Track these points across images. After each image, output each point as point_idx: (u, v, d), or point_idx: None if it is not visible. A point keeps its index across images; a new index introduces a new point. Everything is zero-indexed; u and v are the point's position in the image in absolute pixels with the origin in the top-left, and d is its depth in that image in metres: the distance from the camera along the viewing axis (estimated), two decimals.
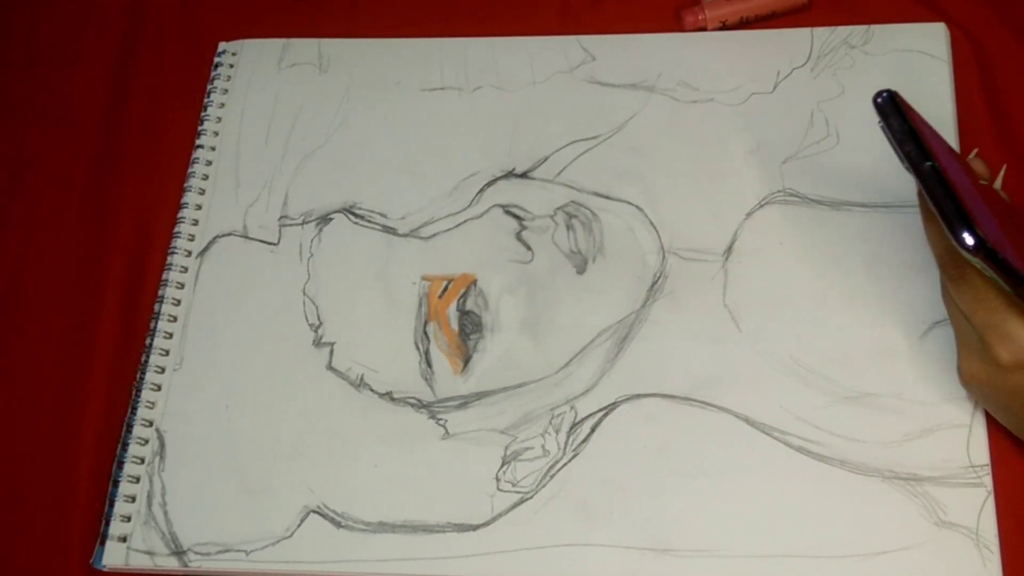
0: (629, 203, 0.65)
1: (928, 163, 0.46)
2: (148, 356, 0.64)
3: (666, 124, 0.67)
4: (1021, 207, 0.59)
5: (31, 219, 0.71)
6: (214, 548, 0.58)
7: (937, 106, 0.64)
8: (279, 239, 0.67)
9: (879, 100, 0.48)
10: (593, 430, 0.59)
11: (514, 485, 0.58)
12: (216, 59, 0.74)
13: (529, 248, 0.65)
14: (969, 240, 0.43)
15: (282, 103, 0.72)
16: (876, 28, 0.68)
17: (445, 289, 0.64)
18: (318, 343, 0.63)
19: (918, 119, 0.48)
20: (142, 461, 0.61)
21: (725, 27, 0.71)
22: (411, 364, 0.62)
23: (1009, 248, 0.45)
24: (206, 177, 0.70)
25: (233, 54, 0.74)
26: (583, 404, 0.60)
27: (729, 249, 0.63)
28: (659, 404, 0.59)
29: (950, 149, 0.51)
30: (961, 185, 0.46)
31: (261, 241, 0.67)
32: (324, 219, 0.67)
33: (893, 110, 0.48)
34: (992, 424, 0.56)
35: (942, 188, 0.45)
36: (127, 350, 0.65)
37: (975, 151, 0.55)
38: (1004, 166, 0.57)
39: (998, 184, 0.55)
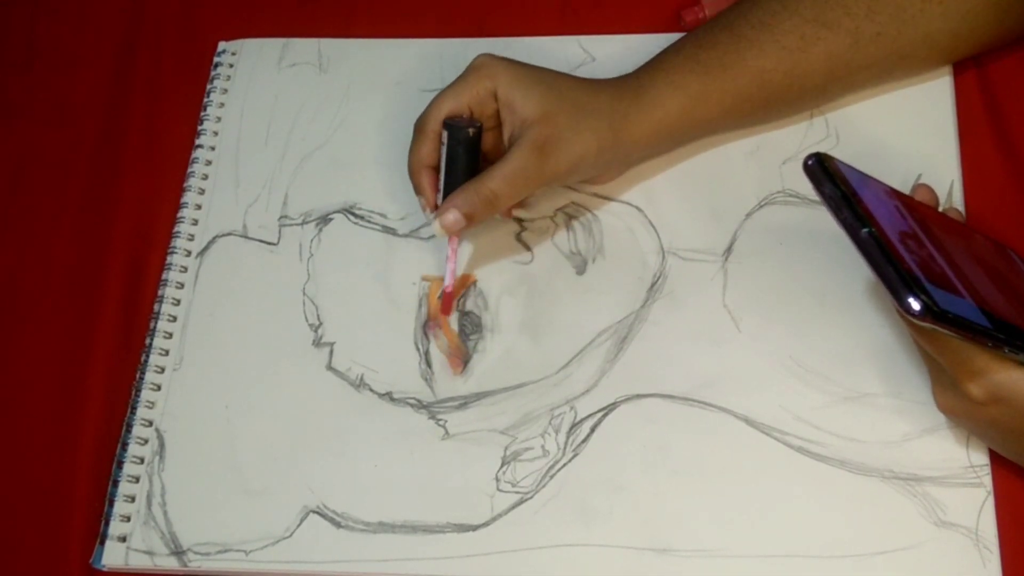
0: (629, 204, 0.65)
1: (864, 230, 0.44)
2: (148, 356, 0.64)
3: None
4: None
5: (31, 219, 0.71)
6: (214, 548, 0.58)
7: (938, 109, 0.64)
8: (279, 239, 0.67)
9: (808, 164, 0.46)
10: (593, 430, 0.59)
11: (514, 485, 0.58)
12: (216, 59, 0.74)
13: (529, 249, 0.65)
14: (915, 306, 0.42)
15: (282, 103, 0.72)
16: None
17: None
18: (318, 343, 0.63)
19: (854, 177, 0.46)
20: (142, 461, 0.61)
21: None
22: (411, 364, 0.62)
23: (966, 295, 0.44)
24: (206, 177, 0.70)
25: (233, 54, 0.74)
26: (583, 404, 0.60)
27: (729, 249, 0.63)
28: (659, 404, 0.59)
29: (894, 197, 0.48)
30: (906, 243, 0.44)
31: (261, 241, 0.67)
32: (324, 219, 0.67)
33: (823, 175, 0.46)
34: None
35: (882, 255, 0.43)
36: (127, 350, 0.65)
37: (918, 175, 0.54)
38: (951, 181, 0.56)
39: (944, 205, 0.54)
